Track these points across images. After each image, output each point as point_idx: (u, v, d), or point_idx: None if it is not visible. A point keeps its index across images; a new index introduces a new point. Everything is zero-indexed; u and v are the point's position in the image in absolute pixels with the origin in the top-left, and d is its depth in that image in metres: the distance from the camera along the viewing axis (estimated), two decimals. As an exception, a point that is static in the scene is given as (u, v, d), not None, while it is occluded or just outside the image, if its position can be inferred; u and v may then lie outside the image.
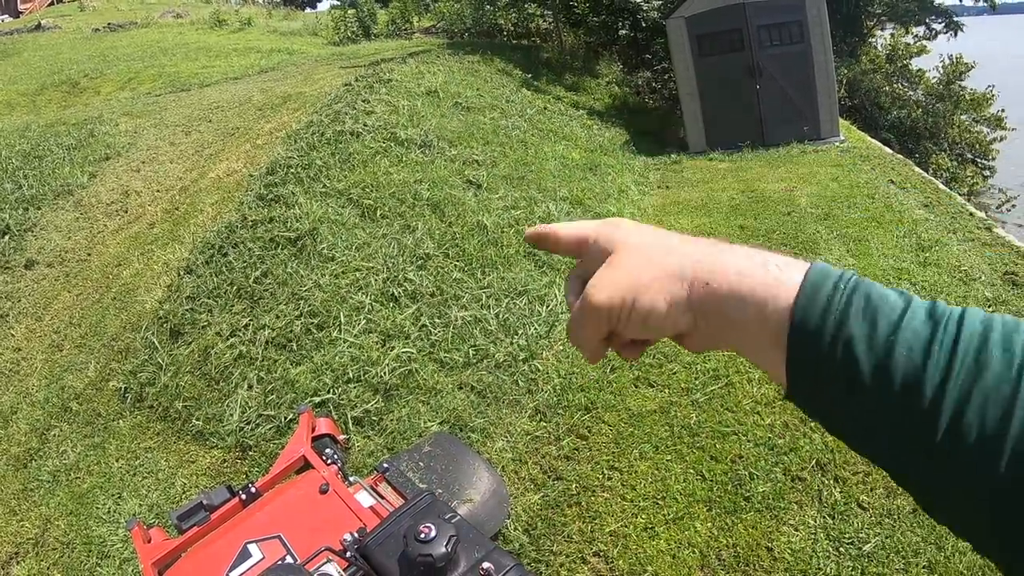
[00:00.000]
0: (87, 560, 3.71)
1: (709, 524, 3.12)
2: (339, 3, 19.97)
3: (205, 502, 2.50)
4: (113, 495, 4.03)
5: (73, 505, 4.06)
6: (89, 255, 6.51)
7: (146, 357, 4.69)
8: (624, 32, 13.31)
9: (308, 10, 34.22)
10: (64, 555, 3.80)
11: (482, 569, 1.61)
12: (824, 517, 3.07)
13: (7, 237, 6.95)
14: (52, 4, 39.78)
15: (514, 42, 14.99)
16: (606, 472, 3.50)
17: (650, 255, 0.55)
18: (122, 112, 10.01)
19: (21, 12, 40.12)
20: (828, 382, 0.45)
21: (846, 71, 14.27)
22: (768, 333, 0.48)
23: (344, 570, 1.83)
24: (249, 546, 2.14)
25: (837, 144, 9.31)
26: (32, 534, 4.01)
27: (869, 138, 10.65)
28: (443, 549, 1.59)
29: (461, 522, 1.79)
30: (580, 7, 13.38)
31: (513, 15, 15.25)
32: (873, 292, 0.45)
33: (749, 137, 9.52)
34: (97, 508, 3.97)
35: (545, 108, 9.51)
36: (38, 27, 26.42)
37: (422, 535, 1.63)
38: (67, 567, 3.73)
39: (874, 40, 17.56)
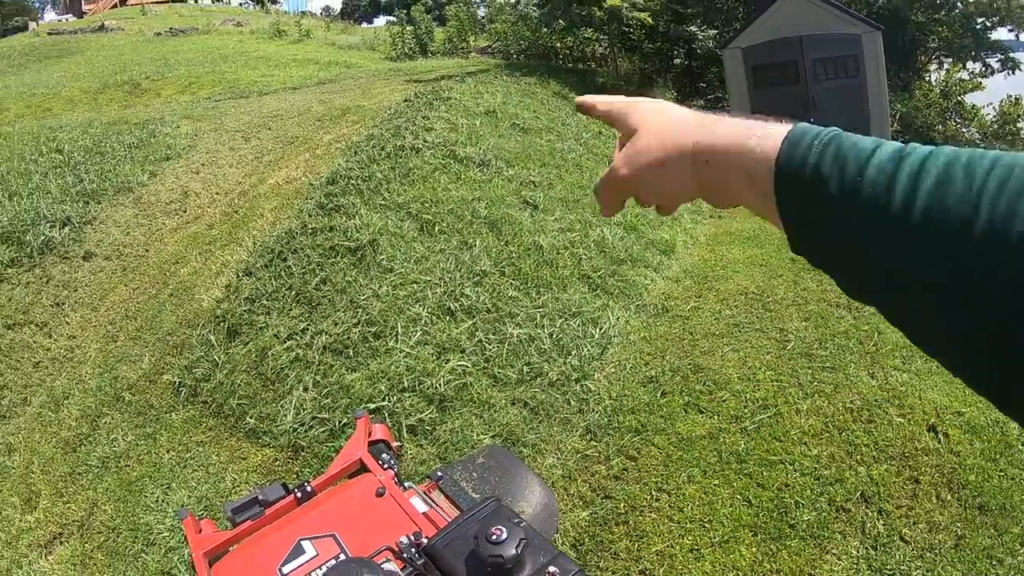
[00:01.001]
0: (132, 546, 3.82)
1: (754, 549, 3.19)
2: (396, 20, 20.50)
3: (260, 497, 2.60)
4: (162, 485, 4.15)
5: (121, 492, 4.19)
6: (147, 251, 6.76)
7: (202, 354, 4.86)
8: (679, 60, 13.49)
9: (364, 25, 35.15)
10: (109, 539, 3.93)
11: (548, 573, 1.67)
12: (867, 548, 3.13)
13: (67, 228, 7.22)
14: (115, 7, 41.40)
15: (569, 65, 15.27)
16: (654, 493, 3.60)
17: (663, 140, 0.66)
18: (183, 115, 10.39)
19: (85, 13, 41.82)
20: (813, 225, 0.54)
21: (900, 106, 14.24)
22: (762, 193, 0.57)
23: (402, 570, 1.93)
24: (303, 543, 2.23)
25: (890, 181, 9.30)
26: (77, 516, 4.14)
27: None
28: (513, 551, 1.66)
29: (529, 527, 1.87)
30: (636, 33, 13.61)
31: (569, 39, 15.56)
32: (845, 143, 0.52)
33: None
34: (145, 496, 4.10)
35: (600, 132, 9.68)
36: (101, 28, 27.51)
37: (494, 536, 1.71)
38: (111, 551, 3.85)
39: (928, 75, 17.49)
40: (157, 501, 4.06)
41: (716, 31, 12.88)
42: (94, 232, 7.24)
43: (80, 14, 42.57)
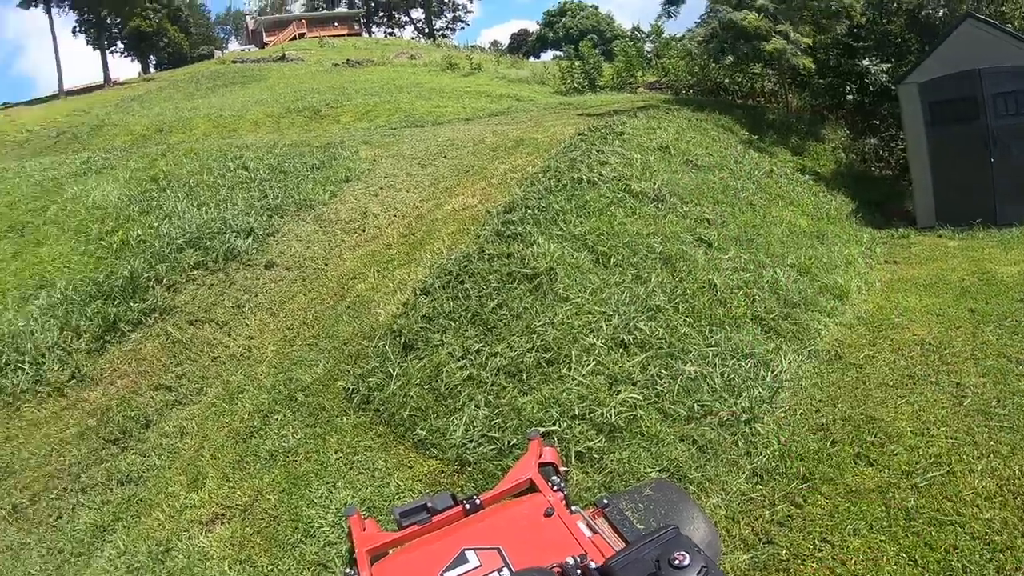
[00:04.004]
0: (292, 535, 4.23)
1: (917, 610, 3.17)
2: (564, 55, 21.34)
3: (429, 504, 2.85)
4: (328, 483, 4.57)
5: (286, 484, 4.65)
6: (326, 265, 7.47)
7: (377, 364, 5.34)
8: (851, 96, 13.26)
9: (532, 59, 36.72)
10: (269, 526, 4.36)
11: None
12: (1032, 621, 3.04)
13: (251, 238, 8.10)
14: (295, 39, 45.65)
15: (739, 101, 15.38)
16: (817, 543, 3.66)
17: None
18: (361, 141, 11.40)
19: (266, 44, 46.38)
20: None
21: (1088, 144, 13.13)
22: None
23: None
24: (467, 552, 2.41)
25: (1076, 228, 8.69)
26: (241, 502, 4.63)
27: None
28: (695, 576, 1.79)
29: (708, 557, 1.98)
30: (806, 69, 13.59)
31: (738, 75, 15.68)
32: None
33: (980, 214, 9.20)
34: (310, 491, 4.52)
35: (771, 171, 9.74)
36: (283, 58, 30.53)
37: (676, 561, 1.86)
38: (270, 537, 4.28)
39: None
40: (321, 497, 4.47)
41: (890, 64, 12.57)
42: (276, 244, 8.07)
43: (262, 45, 47.38)
